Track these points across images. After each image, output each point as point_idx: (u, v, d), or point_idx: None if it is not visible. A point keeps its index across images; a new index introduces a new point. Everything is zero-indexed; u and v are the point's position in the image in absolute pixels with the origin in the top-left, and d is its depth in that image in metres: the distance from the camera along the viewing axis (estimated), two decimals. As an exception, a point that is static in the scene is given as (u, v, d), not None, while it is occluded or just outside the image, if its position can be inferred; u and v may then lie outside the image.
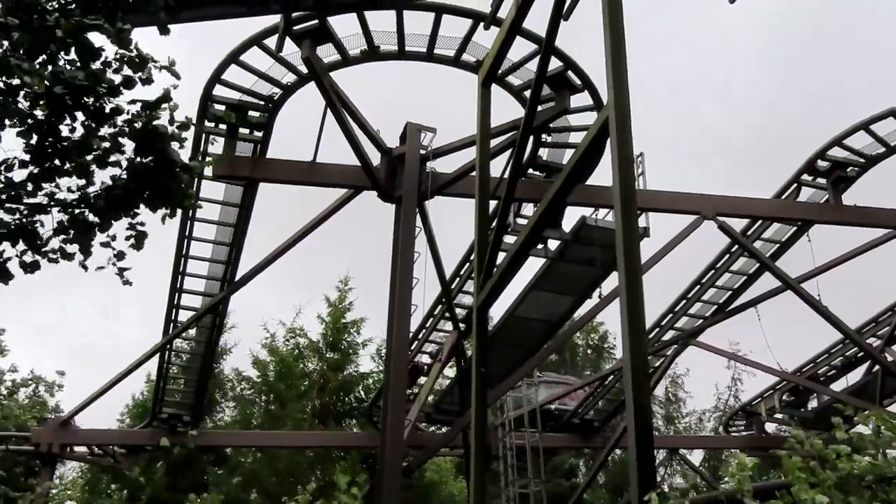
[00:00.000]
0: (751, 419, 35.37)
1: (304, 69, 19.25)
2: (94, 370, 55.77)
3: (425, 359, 28.71)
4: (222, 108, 20.28)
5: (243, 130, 20.59)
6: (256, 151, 21.04)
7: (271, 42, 18.82)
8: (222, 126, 20.55)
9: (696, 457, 41.48)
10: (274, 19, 17.78)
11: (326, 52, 19.13)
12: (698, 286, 27.77)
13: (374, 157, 21.13)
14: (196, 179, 10.02)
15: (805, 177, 24.38)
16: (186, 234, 22.60)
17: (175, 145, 9.21)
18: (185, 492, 22.63)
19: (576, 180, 12.33)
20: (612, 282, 23.01)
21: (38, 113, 8.73)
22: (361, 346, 36.74)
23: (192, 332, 26.38)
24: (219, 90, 19.97)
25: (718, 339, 29.83)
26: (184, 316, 24.95)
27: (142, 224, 9.67)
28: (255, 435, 33.04)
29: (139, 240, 9.72)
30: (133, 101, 8.90)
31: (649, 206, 21.45)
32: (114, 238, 9.66)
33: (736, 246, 25.40)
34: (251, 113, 20.36)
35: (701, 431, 45.85)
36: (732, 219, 23.52)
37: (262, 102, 20.33)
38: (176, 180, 9.38)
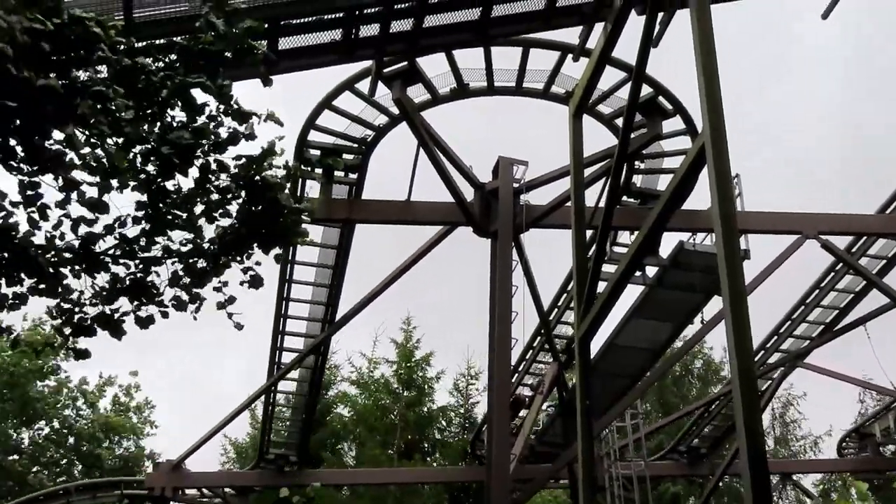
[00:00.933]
0: (865, 441, 34.27)
1: (395, 110, 19.57)
2: (197, 417, 56.94)
3: (526, 391, 28.61)
4: (317, 152, 20.70)
5: (338, 173, 20.96)
6: (352, 193, 21.38)
7: (362, 85, 19.21)
8: (318, 170, 20.97)
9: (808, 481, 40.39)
10: (364, 63, 18.11)
11: (417, 93, 19.44)
12: (803, 306, 27.19)
13: (468, 193, 21.29)
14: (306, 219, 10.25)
15: (910, 189, 23.74)
16: (287, 277, 23.07)
17: (285, 192, 9.47)
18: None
19: (674, 206, 12.27)
20: (713, 306, 22.79)
21: (150, 168, 9.05)
22: (436, 379, 36.95)
23: (296, 373, 26.79)
24: (313, 135, 20.40)
25: (827, 359, 29.02)
26: (287, 358, 25.38)
27: (258, 263, 9.94)
28: (364, 473, 33.22)
29: (255, 282, 9.97)
30: (238, 157, 9.17)
31: (749, 228, 21.13)
32: (226, 284, 9.94)
33: (840, 264, 24.83)
34: (345, 155, 20.74)
35: (817, 455, 44.56)
36: (835, 237, 23.03)
37: (355, 145, 20.70)
38: (287, 222, 9.64)
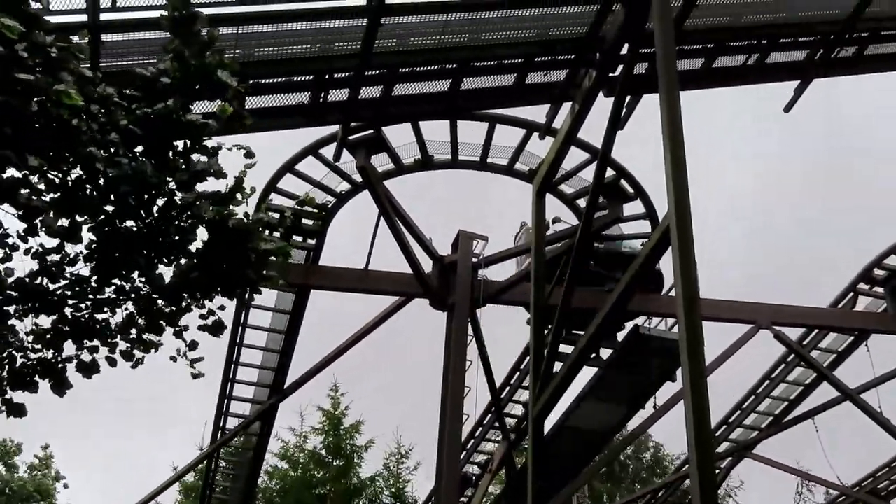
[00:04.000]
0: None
1: (358, 178, 19.46)
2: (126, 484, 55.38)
3: (473, 469, 28.24)
4: (276, 215, 20.44)
5: (297, 238, 20.74)
6: (309, 258, 21.16)
7: (326, 151, 19.10)
8: (276, 234, 20.69)
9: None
10: (329, 129, 18.05)
11: (381, 161, 19.37)
12: (753, 396, 27.23)
13: (427, 265, 21.16)
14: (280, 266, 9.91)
15: (862, 285, 24.05)
16: (238, 341, 22.68)
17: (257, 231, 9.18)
18: None
19: (634, 289, 12.25)
20: (664, 391, 22.74)
21: (109, 207, 8.72)
22: (364, 449, 36.24)
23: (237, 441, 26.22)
24: (274, 198, 20.22)
25: (774, 451, 29.00)
26: (231, 423, 24.85)
27: (221, 308, 9.60)
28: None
29: (216, 328, 9.59)
30: (201, 196, 8.89)
31: (706, 315, 21.10)
32: (186, 328, 9.57)
33: (792, 356, 24.96)
34: (305, 221, 20.55)
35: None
36: (788, 328, 23.20)
37: (316, 211, 20.53)
38: (257, 265, 9.33)
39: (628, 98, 14.85)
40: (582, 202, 20.35)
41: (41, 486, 38.07)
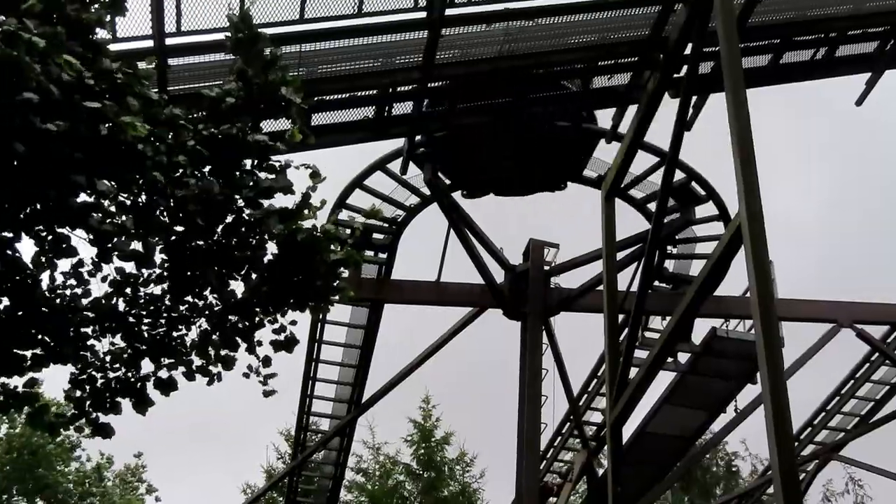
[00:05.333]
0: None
1: (426, 190, 19.52)
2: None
3: (554, 478, 28.04)
4: (347, 231, 20.58)
5: (368, 253, 20.86)
6: (381, 272, 21.26)
7: (393, 166, 19.20)
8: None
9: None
10: (393, 144, 18.15)
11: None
12: (837, 397, 26.59)
13: (498, 275, 21.12)
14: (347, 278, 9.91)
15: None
16: (314, 357, 22.85)
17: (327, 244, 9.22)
18: None
19: (708, 291, 12.08)
20: (746, 395, 22.40)
21: (178, 227, 8.85)
22: (455, 462, 36.14)
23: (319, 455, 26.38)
24: (344, 214, 20.34)
25: (864, 452, 28.26)
26: (313, 439, 25.07)
27: (293, 323, 9.63)
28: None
29: (289, 343, 9.63)
30: (269, 212, 8.97)
31: (784, 316, 20.78)
32: (259, 343, 9.62)
33: (876, 354, 24.34)
34: (376, 235, 20.65)
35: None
36: (871, 326, 22.63)
37: (386, 225, 20.64)
38: (326, 279, 9.37)
39: (694, 98, 14.67)
40: (652, 206, 20.12)
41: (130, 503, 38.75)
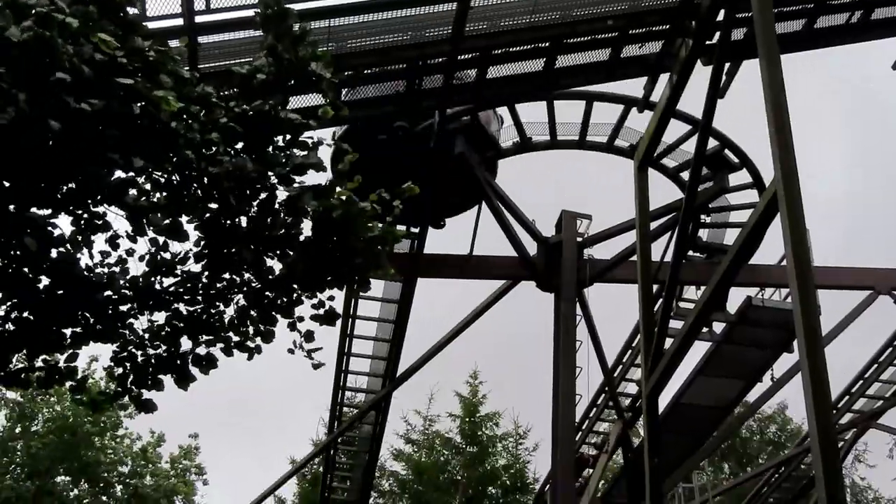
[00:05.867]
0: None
1: (458, 164, 19.45)
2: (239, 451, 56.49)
3: (590, 450, 28.05)
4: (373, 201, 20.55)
5: (401, 227, 20.78)
6: (413, 247, 21.25)
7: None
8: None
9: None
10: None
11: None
12: (875, 365, 26.37)
13: (531, 247, 21.07)
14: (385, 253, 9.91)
15: None
16: (348, 332, 22.95)
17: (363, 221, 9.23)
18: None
19: (743, 260, 11.98)
20: (782, 363, 22.26)
21: (213, 205, 8.90)
22: (499, 439, 36.31)
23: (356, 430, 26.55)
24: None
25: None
26: (348, 413, 25.21)
27: (331, 298, 9.66)
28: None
29: (330, 317, 9.66)
30: (303, 190, 8.99)
31: (820, 283, 20.61)
32: (301, 319, 9.66)
33: (915, 321, 24.10)
34: (408, 209, 20.59)
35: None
36: (909, 293, 22.36)
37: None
38: (363, 256, 9.39)
39: (727, 65, 14.50)
40: (684, 175, 19.99)
41: (177, 488, 39.20)
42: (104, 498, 37.87)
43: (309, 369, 9.89)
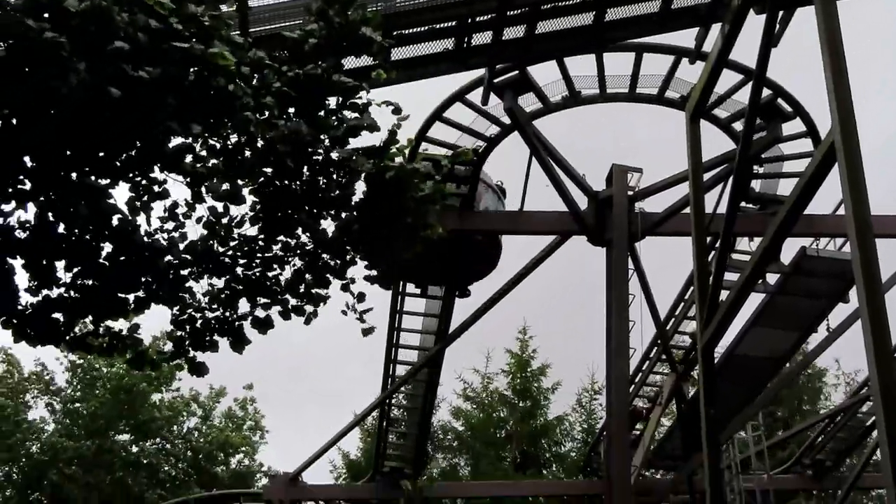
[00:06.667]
0: None
1: (506, 120, 19.39)
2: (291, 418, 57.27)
3: (642, 403, 28.06)
4: (428, 164, 20.60)
5: (450, 185, 20.80)
6: (463, 204, 21.24)
7: (471, 97, 19.11)
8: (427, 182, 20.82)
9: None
10: (472, 74, 18.03)
11: (528, 102, 19.24)
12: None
13: (581, 202, 21.00)
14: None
15: None
16: (399, 290, 23.10)
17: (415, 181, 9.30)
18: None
19: (799, 210, 11.87)
20: (837, 314, 22.08)
21: (268, 169, 9.02)
22: (551, 391, 36.52)
23: (410, 386, 26.81)
24: (424, 147, 20.33)
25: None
26: (401, 370, 25.45)
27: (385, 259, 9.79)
28: (481, 485, 32.90)
29: (385, 279, 9.79)
30: (357, 151, 9.06)
31: (878, 232, 20.29)
32: (353, 281, 9.78)
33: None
34: (457, 167, 20.60)
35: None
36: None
37: (462, 156, 20.51)
38: (415, 216, 9.48)
39: (781, 13, 14.24)
40: (737, 125, 19.75)
41: (231, 439, 39.96)
42: (163, 453, 38.83)
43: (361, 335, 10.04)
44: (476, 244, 21.52)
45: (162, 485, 38.09)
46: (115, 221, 8.57)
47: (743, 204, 21.76)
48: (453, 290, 22.51)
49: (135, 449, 38.40)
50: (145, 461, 37.63)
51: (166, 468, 39.04)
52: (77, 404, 37.68)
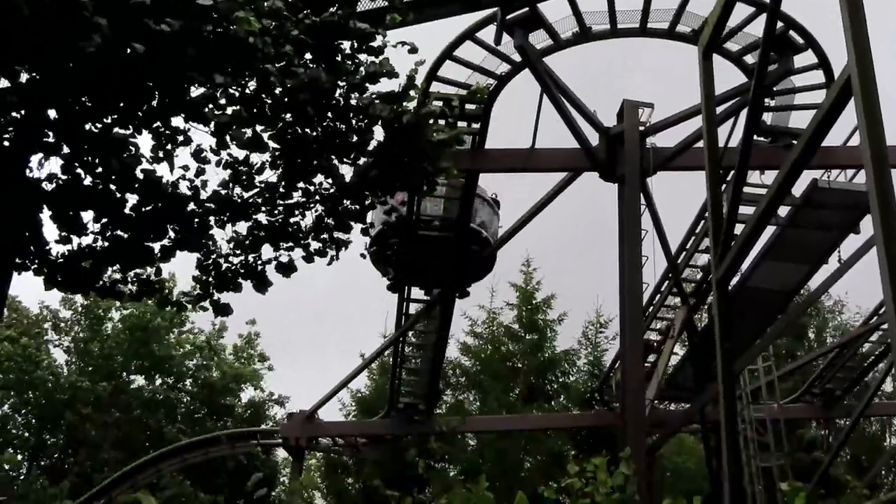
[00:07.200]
0: None
1: (517, 58, 19.32)
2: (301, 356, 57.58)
3: (654, 336, 28.27)
4: (439, 103, 20.55)
5: (461, 124, 20.79)
6: (474, 143, 21.24)
7: (482, 35, 19.01)
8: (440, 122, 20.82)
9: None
10: (480, 13, 17.92)
11: (538, 39, 19.14)
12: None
13: (592, 138, 20.98)
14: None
15: None
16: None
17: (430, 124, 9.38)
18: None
19: (816, 144, 11.88)
20: (848, 245, 22.17)
21: (287, 116, 9.11)
22: (557, 322, 36.63)
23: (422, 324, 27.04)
24: (435, 86, 20.27)
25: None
26: (413, 308, 25.71)
27: (403, 204, 9.95)
28: (491, 420, 33.30)
29: (401, 223, 9.95)
30: (376, 96, 9.13)
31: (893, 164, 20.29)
32: (371, 225, 9.95)
33: None
34: (468, 106, 20.55)
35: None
36: None
37: (477, 94, 20.48)
38: (431, 159, 9.58)
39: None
40: (748, 58, 19.66)
41: (242, 371, 40.48)
42: (177, 389, 39.42)
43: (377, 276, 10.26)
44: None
45: (179, 420, 38.74)
46: (139, 174, 8.69)
47: (755, 137, 21.74)
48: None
49: (152, 386, 38.97)
50: (160, 397, 38.17)
51: (184, 403, 39.68)
52: (90, 344, 38.12)
